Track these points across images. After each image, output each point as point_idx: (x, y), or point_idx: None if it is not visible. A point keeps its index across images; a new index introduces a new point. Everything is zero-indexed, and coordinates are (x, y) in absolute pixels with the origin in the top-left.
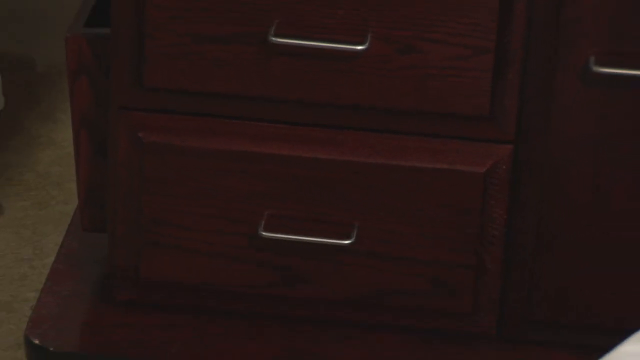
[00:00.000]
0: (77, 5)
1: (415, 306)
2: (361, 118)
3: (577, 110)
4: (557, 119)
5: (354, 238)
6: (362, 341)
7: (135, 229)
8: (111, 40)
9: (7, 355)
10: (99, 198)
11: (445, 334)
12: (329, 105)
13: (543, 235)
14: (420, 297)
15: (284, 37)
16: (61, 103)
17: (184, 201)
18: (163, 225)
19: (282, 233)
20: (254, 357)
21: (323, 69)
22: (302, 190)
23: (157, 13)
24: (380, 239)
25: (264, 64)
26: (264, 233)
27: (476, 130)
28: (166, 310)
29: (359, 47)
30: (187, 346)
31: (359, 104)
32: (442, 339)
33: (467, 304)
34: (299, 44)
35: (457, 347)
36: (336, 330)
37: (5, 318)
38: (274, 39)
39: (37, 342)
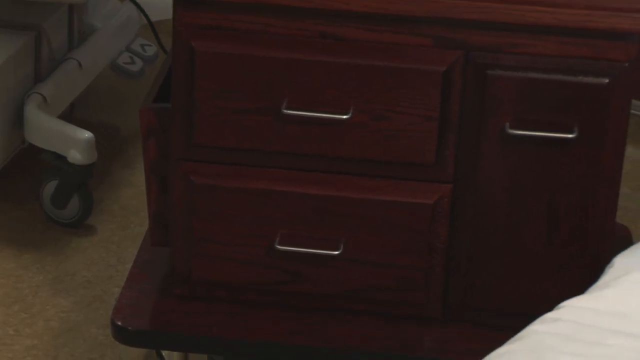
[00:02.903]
0: (148, 87)
1: (385, 298)
2: (346, 166)
3: (497, 161)
4: (482, 167)
5: (341, 249)
6: (348, 323)
7: (188, 244)
8: (171, 112)
9: (100, 333)
10: (164, 222)
11: (405, 317)
12: (323, 157)
13: (473, 247)
14: (388, 291)
15: (292, 110)
16: (137, 156)
17: (222, 225)
18: (207, 241)
19: (291, 246)
20: (271, 334)
21: (320, 132)
22: (305, 216)
23: (202, 93)
24: (359, 250)
25: (279, 129)
26: (278, 246)
27: (426, 174)
28: (209, 301)
29: (344, 116)
30: (224, 326)
31: (345, 156)
32: (403, 321)
33: (421, 295)
34: (303, 114)
35: (414, 326)
36: (329, 315)
37: (98, 306)
38: (285, 111)
39: (119, 323)
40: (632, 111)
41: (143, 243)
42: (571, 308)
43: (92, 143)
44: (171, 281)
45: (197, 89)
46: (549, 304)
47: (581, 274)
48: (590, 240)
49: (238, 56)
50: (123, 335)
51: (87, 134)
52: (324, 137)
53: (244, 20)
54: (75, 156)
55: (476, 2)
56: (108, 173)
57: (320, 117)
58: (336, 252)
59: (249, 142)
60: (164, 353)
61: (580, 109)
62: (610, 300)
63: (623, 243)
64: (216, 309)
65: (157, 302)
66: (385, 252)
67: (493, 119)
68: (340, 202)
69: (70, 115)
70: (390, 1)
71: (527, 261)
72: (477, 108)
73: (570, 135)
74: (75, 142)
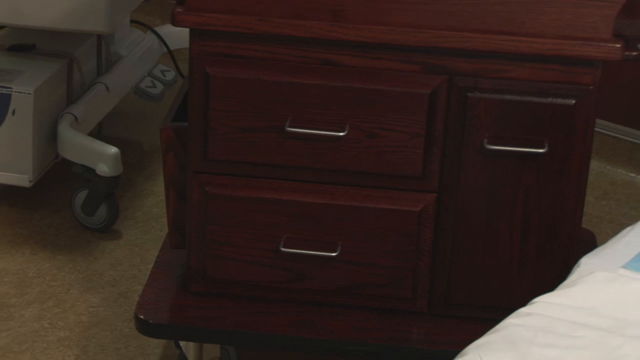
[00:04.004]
0: (167, 108)
1: (377, 294)
2: (343, 177)
3: (476, 173)
4: (463, 178)
5: (338, 251)
6: (344, 316)
7: (203, 246)
8: (188, 130)
9: (125, 325)
10: (181, 227)
11: (395, 311)
12: (322, 170)
13: (456, 249)
14: (380, 288)
15: (294, 128)
16: (158, 169)
17: (233, 229)
18: (220, 244)
19: (294, 248)
20: (276, 326)
21: (319, 147)
22: (307, 222)
23: (215, 114)
24: (354, 252)
25: (283, 144)
26: (283, 249)
27: (414, 185)
28: (222, 297)
29: (341, 134)
30: (235, 320)
31: (341, 168)
32: (393, 314)
33: (409, 292)
34: (304, 132)
35: (403, 319)
36: (328, 309)
37: (123, 302)
38: (288, 128)
39: (142, 317)
40: (596, 129)
41: (163, 246)
42: (542, 303)
43: (118, 157)
44: (188, 279)
45: (211, 110)
46: (523, 300)
47: (551, 273)
48: (559, 243)
49: (247, 80)
50: (145, 327)
51: (113, 149)
52: (322, 152)
53: (252, 49)
54: (103, 169)
55: (459, 33)
56: (132, 184)
57: (319, 134)
58: (334, 254)
59: (256, 156)
60: (182, 343)
61: (550, 127)
62: (577, 297)
63: (588, 246)
64: (228, 304)
65: (175, 298)
66: (377, 254)
67: (473, 135)
68: (337, 210)
69: (99, 133)
70: (382, 32)
71: (503, 261)
72: (459, 126)
73: (541, 150)
74: (103, 157)
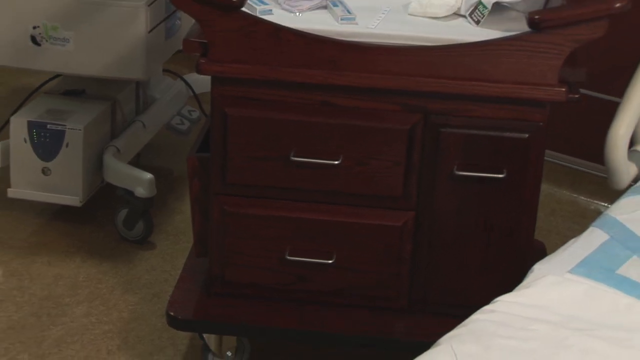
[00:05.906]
0: (193, 141)
1: (366, 294)
2: (338, 198)
3: (447, 194)
4: (437, 199)
5: (334, 259)
6: (339, 313)
7: (222, 255)
8: (210, 159)
9: (158, 321)
10: (204, 240)
11: (382, 308)
12: (321, 192)
13: (431, 257)
14: (369, 289)
15: (298, 157)
16: (185, 191)
17: (247, 241)
18: (236, 253)
19: (297, 257)
20: (282, 321)
21: (318, 173)
22: (308, 235)
23: (233, 147)
24: (347, 259)
25: (288, 171)
26: (288, 257)
27: (395, 204)
28: (237, 297)
29: (336, 162)
30: (249, 316)
31: (336, 191)
32: (380, 311)
33: (393, 293)
34: (306, 160)
35: (387, 315)
36: (326, 307)
37: (157, 301)
38: (293, 158)
39: (172, 314)
40: (546, 158)
41: (189, 255)
42: (503, 302)
43: (153, 182)
44: (210, 283)
45: (229, 143)
46: (487, 299)
47: (510, 277)
48: (516, 252)
49: (259, 119)
50: (175, 322)
51: (149, 175)
52: (321, 177)
53: (264, 93)
54: (141, 191)
55: (434, 79)
56: (164, 203)
57: (318, 163)
58: (330, 261)
59: (266, 181)
60: (205, 335)
61: (508, 156)
62: (531, 297)
63: (540, 254)
64: (242, 303)
65: (199, 298)
66: (366, 261)
67: (444, 163)
68: (332, 225)
69: (137, 162)
70: (370, 78)
71: (470, 268)
72: (433, 155)
73: (500, 176)
74: (141, 181)
